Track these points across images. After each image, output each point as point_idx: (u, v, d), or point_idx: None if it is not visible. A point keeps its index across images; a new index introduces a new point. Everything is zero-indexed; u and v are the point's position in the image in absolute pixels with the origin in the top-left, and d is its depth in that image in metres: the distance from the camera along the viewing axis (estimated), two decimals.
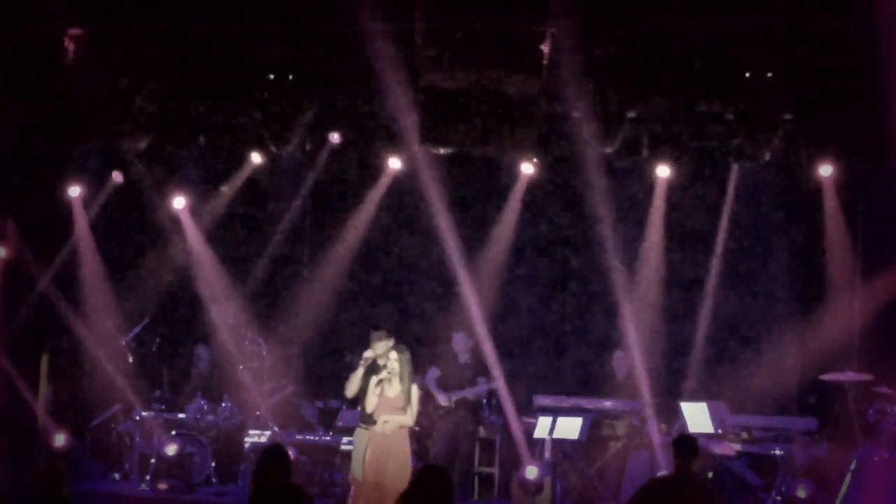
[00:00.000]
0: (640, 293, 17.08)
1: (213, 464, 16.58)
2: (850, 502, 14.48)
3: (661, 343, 17.26)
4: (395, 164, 17.06)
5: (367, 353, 13.39)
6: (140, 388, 17.51)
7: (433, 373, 16.57)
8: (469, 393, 16.33)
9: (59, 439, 16.57)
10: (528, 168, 16.78)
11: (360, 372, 13.33)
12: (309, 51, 14.49)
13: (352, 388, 13.50)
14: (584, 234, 17.99)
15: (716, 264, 17.04)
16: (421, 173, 16.98)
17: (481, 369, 16.47)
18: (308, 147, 15.97)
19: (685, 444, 11.33)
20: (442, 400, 16.33)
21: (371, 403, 13.13)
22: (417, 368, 15.70)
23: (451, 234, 17.24)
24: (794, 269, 16.80)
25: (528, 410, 16.39)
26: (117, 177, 17.66)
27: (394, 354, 13.20)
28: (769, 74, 13.35)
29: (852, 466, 14.55)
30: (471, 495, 16.64)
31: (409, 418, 13.17)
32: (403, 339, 15.74)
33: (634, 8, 13.74)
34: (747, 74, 13.46)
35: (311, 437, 16.70)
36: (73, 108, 14.95)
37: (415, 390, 13.24)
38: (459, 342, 16.64)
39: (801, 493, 14.41)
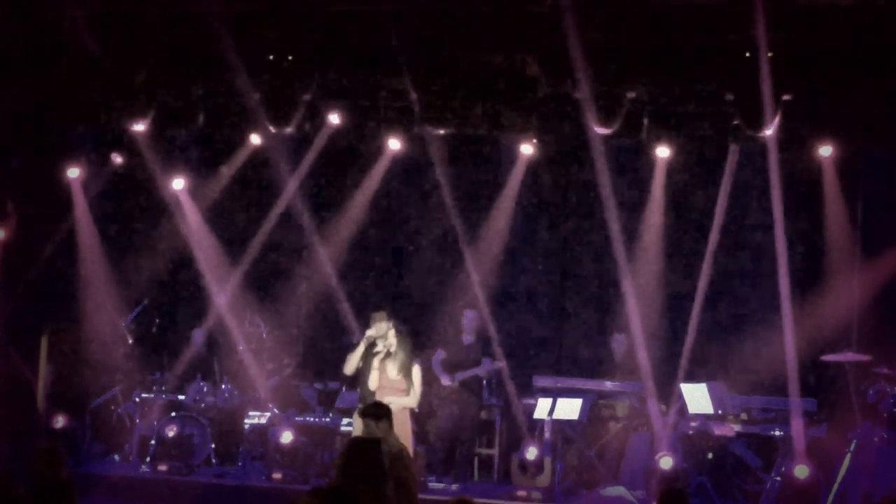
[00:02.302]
0: (640, 274, 17.07)
1: (213, 445, 16.61)
2: (850, 483, 14.50)
3: (660, 324, 17.27)
4: (394, 144, 17.02)
5: (370, 332, 13.44)
6: (140, 370, 17.52)
7: (439, 354, 16.58)
8: (481, 370, 16.32)
9: (59, 421, 16.59)
10: (527, 148, 16.75)
11: (360, 349, 13.39)
12: (308, 31, 14.46)
13: (350, 366, 13.57)
14: (584, 214, 17.99)
15: (715, 244, 17.02)
16: (421, 153, 16.96)
17: (486, 350, 16.47)
18: (307, 128, 15.94)
19: (369, 412, 11.45)
20: (445, 381, 16.34)
21: (374, 380, 13.17)
22: (421, 349, 15.74)
23: (451, 215, 17.23)
24: (793, 249, 16.78)
25: (529, 392, 16.42)
26: (116, 158, 17.64)
27: (391, 332, 13.24)
28: (769, 55, 13.31)
29: (852, 447, 14.56)
30: (471, 476, 16.65)
31: (411, 399, 13.22)
32: (405, 321, 15.88)
33: None
34: (747, 54, 13.42)
35: (311, 419, 16.72)
36: (72, 89, 14.93)
37: (416, 372, 13.27)
38: (471, 320, 16.61)
39: (801, 474, 14.43)
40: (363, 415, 11.71)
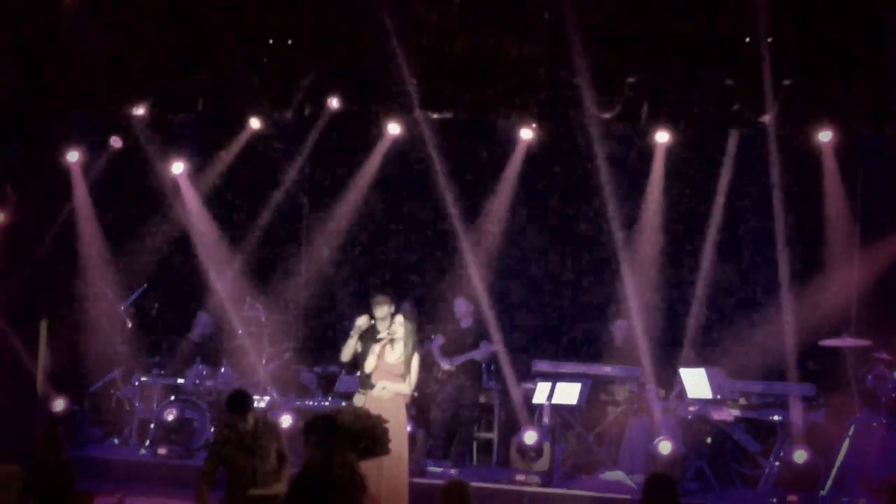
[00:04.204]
0: (639, 259, 17.07)
1: (213, 429, 16.61)
2: (849, 467, 14.52)
3: (659, 309, 17.27)
4: (394, 129, 17.00)
5: (359, 322, 13.43)
6: (139, 354, 17.54)
7: (437, 340, 16.61)
8: (477, 354, 16.35)
9: (59, 405, 16.60)
10: (527, 133, 16.74)
11: (352, 340, 13.40)
12: (308, 15, 14.43)
13: (346, 354, 13.59)
14: (583, 199, 17.98)
15: (714, 230, 17.03)
16: (420, 138, 16.93)
17: (483, 333, 16.50)
18: (307, 112, 15.92)
19: (233, 402, 11.48)
20: (444, 365, 16.37)
21: (370, 364, 13.16)
22: (420, 335, 15.74)
23: (450, 200, 17.21)
24: (792, 234, 16.78)
25: (527, 376, 16.43)
26: (116, 142, 17.61)
27: (399, 319, 13.23)
28: (769, 40, 13.29)
29: (850, 432, 14.58)
30: (469, 461, 16.68)
31: (407, 387, 13.21)
32: (410, 302, 15.89)
33: None
34: (747, 39, 13.40)
35: (310, 403, 16.74)
36: (71, 73, 14.90)
37: (415, 360, 13.25)
38: (461, 307, 16.67)
39: (800, 459, 14.44)
40: (226, 408, 11.71)
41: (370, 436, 9.61)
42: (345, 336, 13.79)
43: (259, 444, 11.37)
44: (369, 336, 13.31)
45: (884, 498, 9.42)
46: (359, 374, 13.58)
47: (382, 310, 13.27)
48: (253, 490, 11.20)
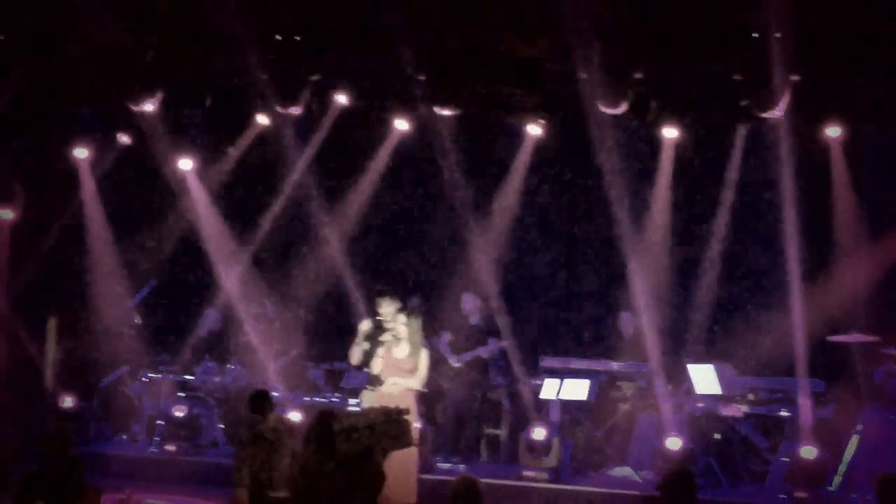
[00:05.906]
0: (648, 254, 17.06)
1: (221, 425, 16.63)
2: (857, 463, 14.51)
3: (668, 304, 17.26)
4: (401, 125, 16.99)
5: (362, 327, 13.46)
6: (147, 350, 17.55)
7: (445, 336, 16.60)
8: (483, 351, 16.37)
9: (67, 401, 16.62)
10: (535, 129, 16.73)
11: (360, 343, 13.43)
12: (315, 11, 14.44)
13: (354, 358, 13.62)
14: (592, 195, 17.97)
15: (722, 226, 17.02)
16: (428, 134, 16.92)
17: (491, 329, 16.49)
18: (315, 108, 15.92)
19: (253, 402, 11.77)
20: (453, 361, 16.38)
21: (376, 365, 13.18)
22: (428, 332, 15.74)
23: (458, 197, 17.21)
24: (801, 230, 16.76)
25: (535, 372, 16.43)
26: (124, 138, 17.62)
27: (401, 318, 13.23)
28: (777, 35, 13.27)
29: (859, 428, 14.58)
30: (478, 457, 16.68)
31: (417, 381, 13.23)
32: (419, 297, 15.88)
33: None
34: (755, 35, 13.38)
35: (318, 399, 16.73)
36: (79, 69, 14.91)
37: (424, 355, 13.26)
38: (468, 303, 16.68)
39: (808, 455, 14.43)
40: (247, 408, 11.90)
41: (356, 445, 9.70)
42: (353, 333, 13.80)
43: (278, 444, 11.43)
44: (376, 336, 13.32)
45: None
46: (367, 370, 13.59)
47: (386, 308, 13.28)
48: (272, 493, 11.24)
